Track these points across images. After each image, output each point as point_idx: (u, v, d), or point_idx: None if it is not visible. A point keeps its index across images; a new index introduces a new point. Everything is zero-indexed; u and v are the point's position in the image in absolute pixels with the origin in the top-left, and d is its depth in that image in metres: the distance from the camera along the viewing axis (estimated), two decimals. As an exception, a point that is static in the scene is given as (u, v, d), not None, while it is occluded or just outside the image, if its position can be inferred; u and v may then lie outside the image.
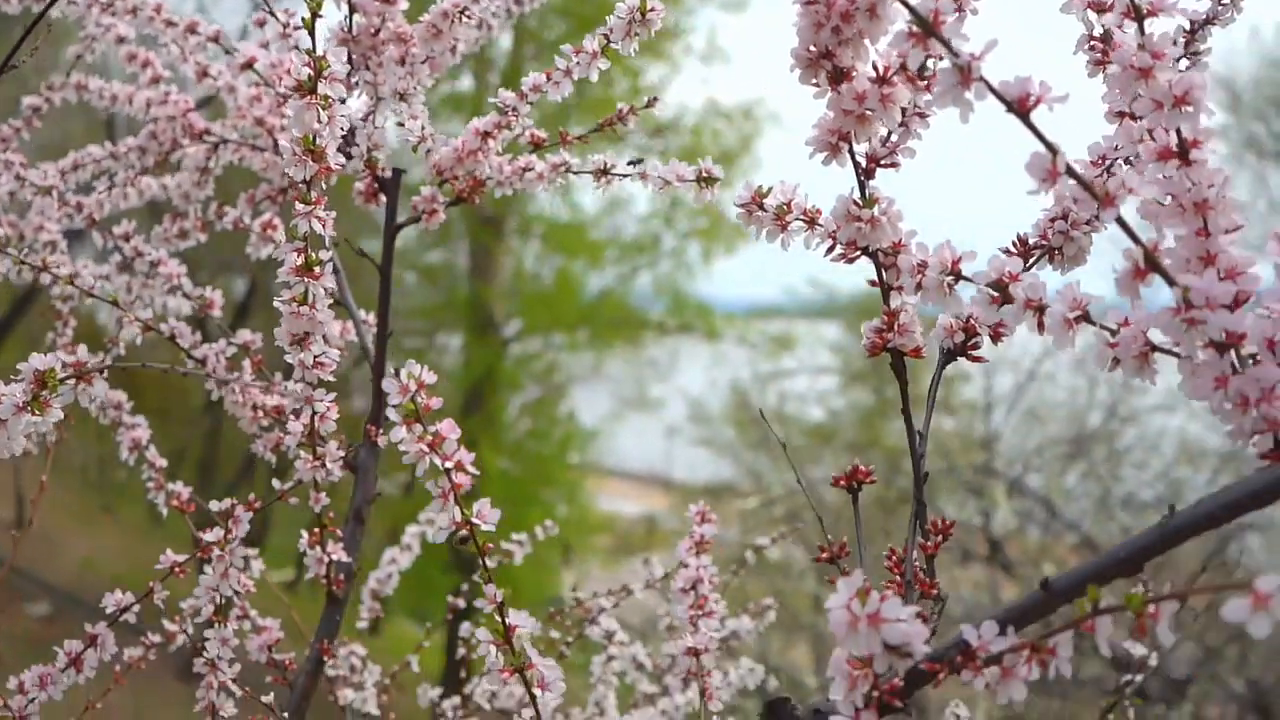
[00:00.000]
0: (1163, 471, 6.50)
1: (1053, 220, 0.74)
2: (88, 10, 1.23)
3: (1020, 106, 0.55)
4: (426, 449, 0.67)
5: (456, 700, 1.56)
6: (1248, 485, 0.53)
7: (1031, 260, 0.75)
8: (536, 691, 0.70)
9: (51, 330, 1.39)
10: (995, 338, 0.73)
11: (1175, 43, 0.74)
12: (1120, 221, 0.55)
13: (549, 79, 0.97)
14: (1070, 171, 0.54)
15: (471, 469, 0.68)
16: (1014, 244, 0.75)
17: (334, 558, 1.04)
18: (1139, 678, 1.18)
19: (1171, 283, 0.55)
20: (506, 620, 0.70)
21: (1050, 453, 6.64)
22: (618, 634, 1.43)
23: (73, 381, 0.69)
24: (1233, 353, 0.57)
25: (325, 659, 1.06)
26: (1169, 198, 0.59)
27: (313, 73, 0.78)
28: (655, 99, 1.07)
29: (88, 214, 1.24)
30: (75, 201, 1.26)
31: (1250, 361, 0.56)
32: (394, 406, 0.66)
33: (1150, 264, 0.55)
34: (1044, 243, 0.74)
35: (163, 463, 1.16)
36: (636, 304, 12.57)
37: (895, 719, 0.59)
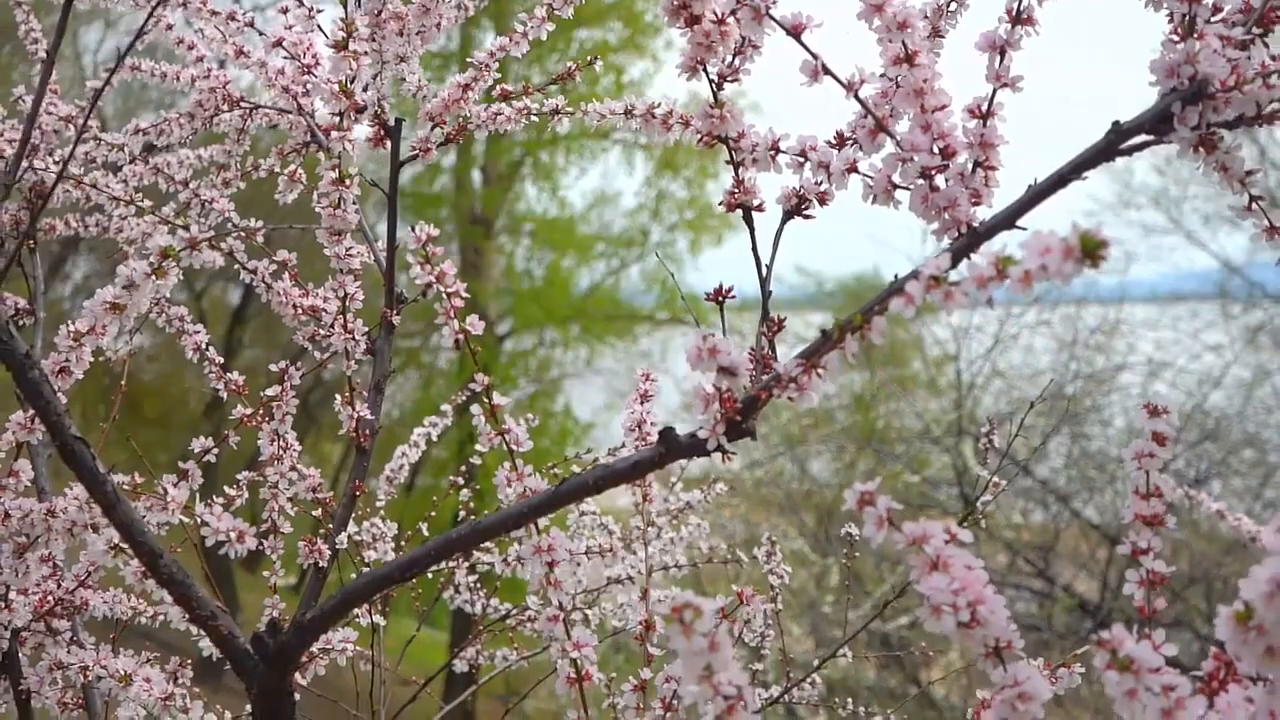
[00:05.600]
0: (1127, 427, 6.84)
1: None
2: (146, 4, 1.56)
3: (795, 31, 0.87)
4: (434, 280, 1.00)
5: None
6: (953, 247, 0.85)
7: (848, 148, 1.07)
8: (513, 447, 1.02)
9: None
10: (821, 201, 1.05)
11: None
12: (858, 99, 0.88)
13: (511, 39, 1.31)
14: (826, 70, 0.87)
15: (465, 294, 1.01)
16: (835, 136, 1.07)
17: (361, 415, 1.36)
18: (994, 489, 1.51)
19: (892, 136, 0.88)
20: (492, 400, 1.03)
21: (1023, 413, 6.97)
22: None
23: (188, 250, 1.01)
24: (942, 180, 0.89)
25: (357, 494, 1.38)
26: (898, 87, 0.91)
27: (345, 33, 1.11)
28: (595, 57, 1.40)
29: (153, 166, 1.57)
30: (145, 158, 1.59)
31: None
32: (411, 251, 0.99)
33: (878, 126, 0.88)
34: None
35: (220, 359, 1.48)
36: (626, 297, 12.89)
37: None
